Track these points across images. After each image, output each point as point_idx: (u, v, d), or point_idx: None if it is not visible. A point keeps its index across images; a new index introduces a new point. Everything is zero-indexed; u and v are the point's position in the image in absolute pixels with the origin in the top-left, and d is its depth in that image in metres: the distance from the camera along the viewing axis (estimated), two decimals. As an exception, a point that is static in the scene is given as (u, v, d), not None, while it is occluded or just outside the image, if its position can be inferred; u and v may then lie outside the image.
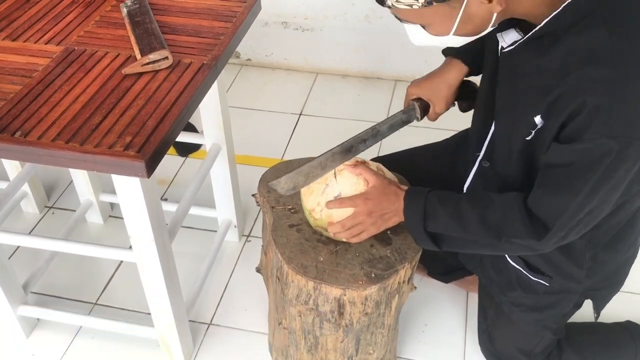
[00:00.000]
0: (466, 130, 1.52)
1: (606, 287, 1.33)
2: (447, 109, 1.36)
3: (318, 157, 1.24)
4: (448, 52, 1.35)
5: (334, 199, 1.22)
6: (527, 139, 1.06)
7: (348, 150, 1.25)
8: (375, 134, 1.29)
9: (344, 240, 1.24)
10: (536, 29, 0.99)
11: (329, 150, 1.25)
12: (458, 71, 1.32)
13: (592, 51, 0.93)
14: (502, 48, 1.10)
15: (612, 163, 0.96)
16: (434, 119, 1.37)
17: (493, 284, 1.37)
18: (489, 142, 1.24)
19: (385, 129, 1.31)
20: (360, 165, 1.23)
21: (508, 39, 1.07)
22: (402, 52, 2.54)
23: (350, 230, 1.20)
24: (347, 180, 1.22)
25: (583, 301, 1.33)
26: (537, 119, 1.03)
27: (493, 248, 1.20)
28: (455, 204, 1.16)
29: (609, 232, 1.21)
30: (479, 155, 1.28)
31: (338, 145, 1.25)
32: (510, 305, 1.35)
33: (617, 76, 0.92)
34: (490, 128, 1.22)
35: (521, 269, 1.29)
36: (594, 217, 1.07)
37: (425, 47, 1.08)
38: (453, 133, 1.56)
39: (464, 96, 1.37)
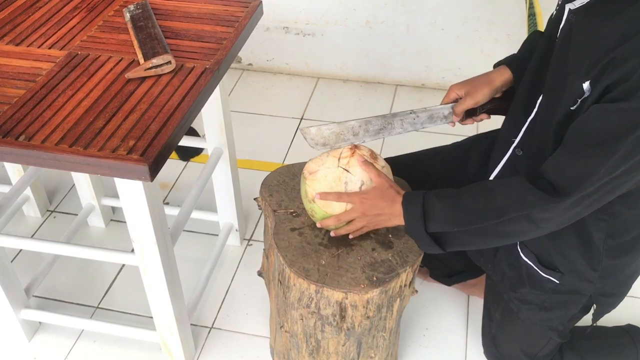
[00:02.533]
0: (477, 135, 1.53)
1: (615, 294, 1.32)
2: (476, 105, 1.32)
3: (351, 120, 1.25)
4: (497, 64, 1.38)
5: (359, 189, 1.23)
6: (572, 108, 1.06)
7: (384, 127, 1.27)
8: (413, 121, 1.30)
9: (341, 232, 1.26)
10: None
11: (363, 119, 1.26)
12: (502, 74, 1.33)
13: None
14: (569, 14, 1.09)
15: None
16: (458, 114, 1.33)
17: (504, 279, 1.36)
18: (526, 129, 1.23)
19: (425, 118, 1.31)
20: (369, 164, 1.24)
21: (578, 2, 1.07)
22: (402, 58, 2.55)
23: (346, 227, 1.24)
24: (359, 168, 1.24)
25: (591, 306, 1.32)
26: (585, 86, 1.02)
27: (497, 235, 1.18)
28: (453, 197, 1.17)
29: (629, 228, 1.20)
30: (514, 142, 1.27)
31: (374, 117, 1.27)
32: (518, 303, 1.34)
33: None
34: (530, 114, 1.22)
35: (532, 264, 1.29)
36: (614, 189, 1.05)
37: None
38: (456, 138, 1.57)
39: (494, 109, 1.36)
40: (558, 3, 1.18)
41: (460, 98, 1.33)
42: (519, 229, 1.14)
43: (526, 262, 1.30)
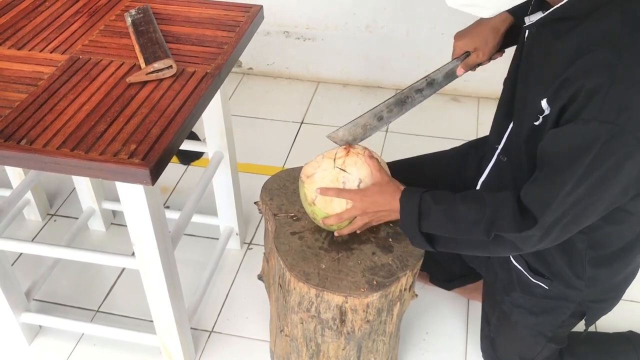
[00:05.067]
0: (476, 140, 1.53)
1: (604, 300, 1.32)
2: (490, 58, 1.31)
3: (372, 108, 1.25)
4: None
5: (357, 187, 1.24)
6: (535, 124, 1.07)
7: (404, 101, 1.26)
8: (431, 83, 1.28)
9: (344, 232, 1.27)
10: (552, 9, 1.01)
11: (383, 102, 1.25)
12: (504, 20, 1.28)
13: (603, 37, 0.95)
14: (530, 27, 1.10)
15: (601, 152, 0.96)
16: (471, 67, 1.30)
17: (497, 281, 1.38)
18: (508, 135, 1.24)
19: (441, 78, 1.30)
20: (374, 159, 1.25)
21: (533, 18, 1.08)
22: (402, 62, 2.56)
23: (349, 226, 1.24)
24: (355, 166, 1.24)
25: (583, 312, 1.33)
26: (544, 103, 1.03)
27: (484, 248, 1.20)
28: (449, 203, 1.17)
29: (610, 241, 1.21)
30: (497, 148, 1.28)
31: (393, 97, 1.26)
32: (511, 306, 1.36)
33: (620, 61, 0.93)
34: (511, 121, 1.23)
35: (522, 270, 1.30)
36: (583, 213, 1.06)
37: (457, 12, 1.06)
38: (456, 142, 1.57)
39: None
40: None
41: (469, 52, 1.30)
42: (502, 249, 1.16)
43: (516, 267, 1.31)
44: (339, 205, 1.23)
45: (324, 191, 1.22)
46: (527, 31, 1.14)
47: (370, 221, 1.25)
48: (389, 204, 1.21)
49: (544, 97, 1.03)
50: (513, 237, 1.11)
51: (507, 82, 1.27)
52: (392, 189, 1.22)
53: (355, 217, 1.23)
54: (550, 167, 1.03)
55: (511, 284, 1.34)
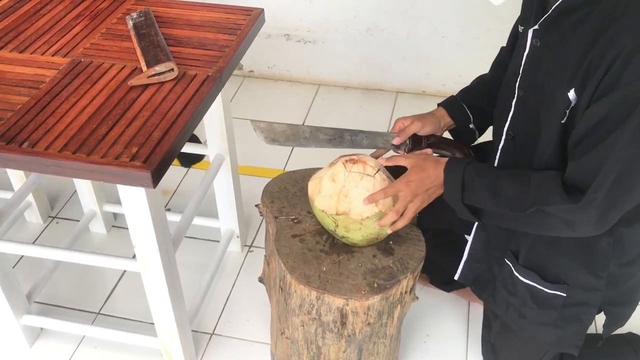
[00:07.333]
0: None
1: (625, 302, 1.29)
2: (421, 130, 1.38)
3: (304, 125, 1.31)
4: (441, 104, 1.45)
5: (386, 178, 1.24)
6: (562, 122, 1.06)
7: (332, 139, 1.34)
8: (361, 141, 1.37)
9: (398, 226, 1.23)
10: (558, 2, 1.02)
11: (315, 126, 1.32)
12: (445, 117, 1.42)
13: (626, 6, 0.95)
14: (533, 39, 1.11)
15: None
16: (403, 137, 1.38)
17: (509, 310, 1.31)
18: (498, 162, 1.29)
19: (372, 140, 1.39)
20: (392, 158, 1.26)
21: (543, 18, 1.09)
22: (403, 65, 2.57)
23: (404, 216, 1.22)
24: (368, 165, 1.24)
25: (598, 313, 1.29)
26: (571, 94, 1.03)
27: (530, 222, 1.16)
28: (492, 177, 1.17)
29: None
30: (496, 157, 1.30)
31: (327, 127, 1.33)
32: (530, 328, 1.29)
33: None
34: (500, 142, 1.25)
35: (535, 284, 1.25)
36: (634, 182, 1.03)
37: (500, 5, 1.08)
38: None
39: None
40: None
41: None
42: (552, 226, 1.13)
43: (527, 284, 1.26)
44: (388, 201, 1.21)
45: (371, 198, 1.19)
46: (527, 47, 1.14)
47: (422, 203, 1.22)
48: (436, 179, 1.20)
49: (570, 88, 1.03)
50: (562, 213, 1.08)
51: (500, 108, 1.28)
52: (432, 163, 1.22)
53: (407, 206, 1.21)
54: (593, 138, 1.01)
55: (525, 304, 1.27)
